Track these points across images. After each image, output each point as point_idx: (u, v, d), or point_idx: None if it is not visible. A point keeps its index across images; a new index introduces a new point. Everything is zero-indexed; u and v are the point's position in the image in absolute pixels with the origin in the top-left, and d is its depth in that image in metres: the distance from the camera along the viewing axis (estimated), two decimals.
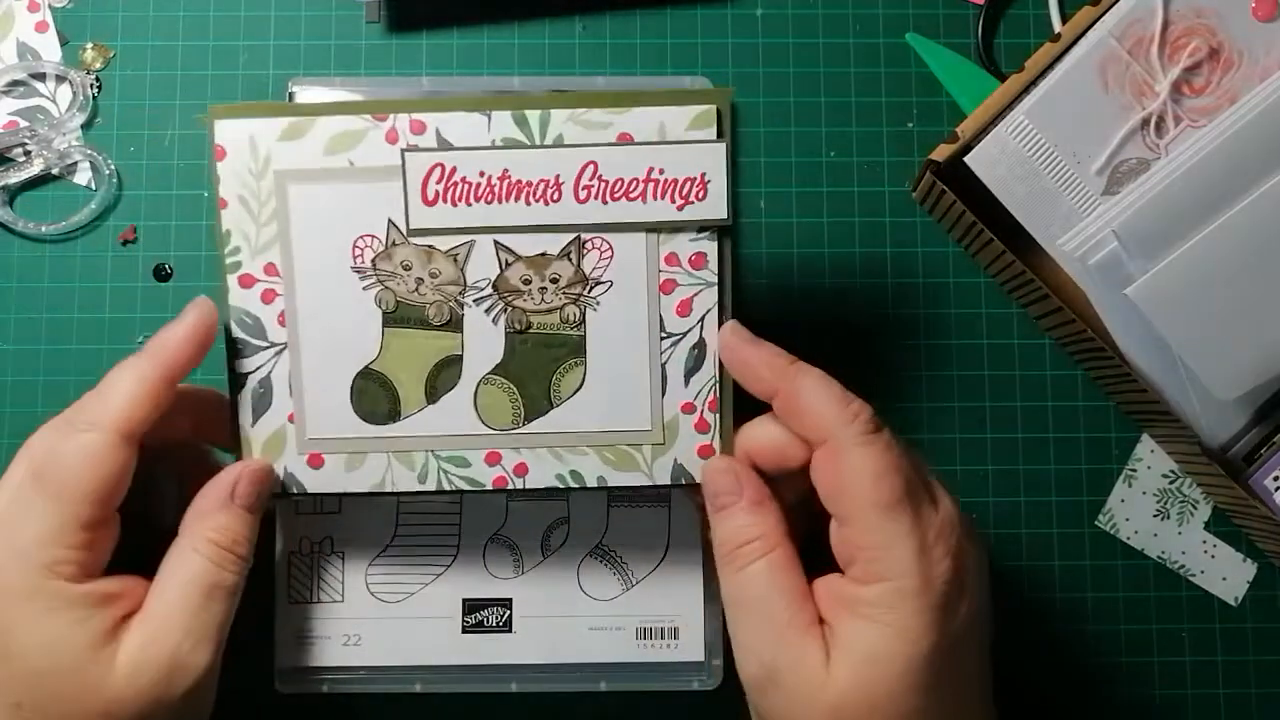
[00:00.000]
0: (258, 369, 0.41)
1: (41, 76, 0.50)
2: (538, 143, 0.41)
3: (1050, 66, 0.46)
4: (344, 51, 0.51)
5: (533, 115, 0.40)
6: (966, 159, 0.46)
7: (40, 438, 0.39)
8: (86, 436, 0.38)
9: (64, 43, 0.50)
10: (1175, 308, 0.44)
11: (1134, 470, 0.50)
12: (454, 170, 0.40)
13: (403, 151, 0.40)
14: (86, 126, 0.50)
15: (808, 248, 0.50)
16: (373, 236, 0.41)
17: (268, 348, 0.41)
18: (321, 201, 0.41)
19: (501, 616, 0.45)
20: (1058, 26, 0.50)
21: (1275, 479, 0.46)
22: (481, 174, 0.40)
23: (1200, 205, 0.44)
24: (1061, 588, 0.49)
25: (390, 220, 0.41)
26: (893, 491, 0.36)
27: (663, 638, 0.46)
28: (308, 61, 0.50)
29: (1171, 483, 0.50)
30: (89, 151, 0.49)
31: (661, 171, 0.40)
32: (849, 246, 0.50)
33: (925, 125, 0.51)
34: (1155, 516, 0.49)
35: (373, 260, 0.41)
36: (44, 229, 0.49)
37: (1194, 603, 0.49)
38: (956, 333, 0.50)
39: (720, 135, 0.41)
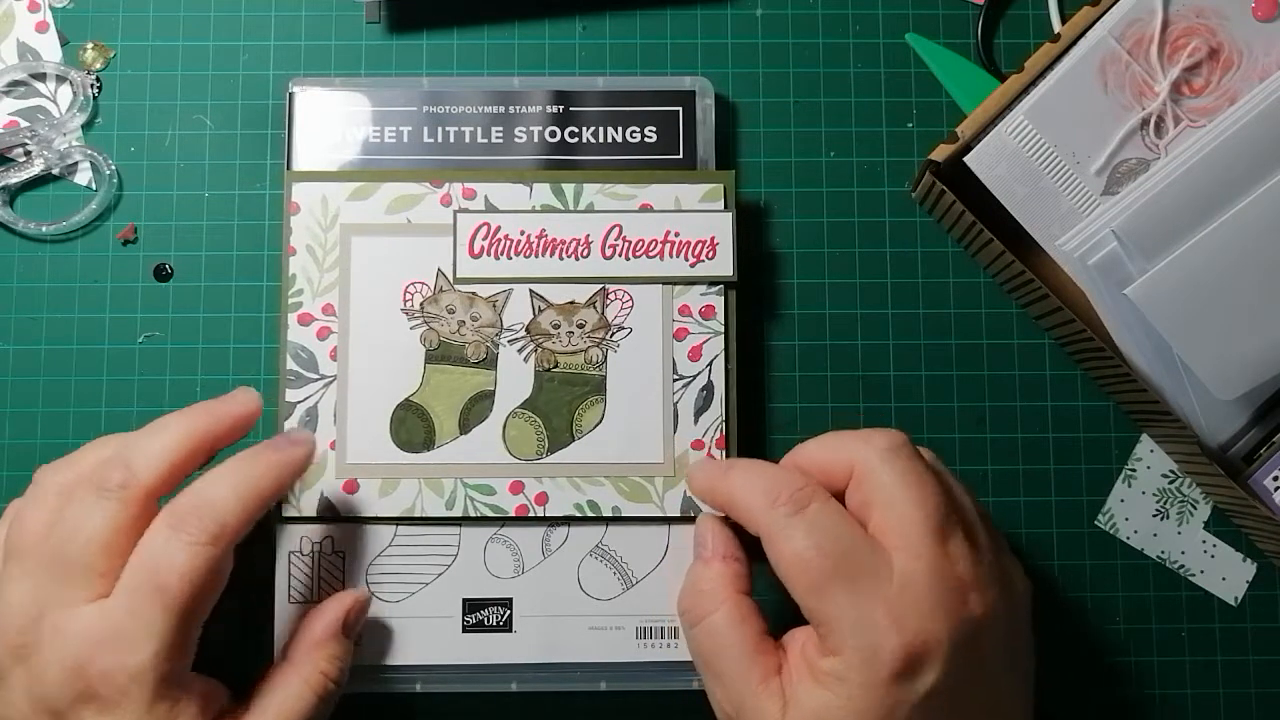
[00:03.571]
0: (307, 399, 0.45)
1: (42, 76, 0.50)
2: (571, 208, 0.46)
3: (1050, 66, 0.46)
4: (344, 51, 0.51)
5: (568, 187, 0.46)
6: (966, 159, 0.46)
7: (161, 547, 0.38)
8: (207, 551, 0.38)
9: (64, 43, 0.50)
10: (1175, 308, 0.44)
11: (1133, 470, 0.50)
12: (498, 228, 0.46)
13: (455, 212, 0.46)
14: (87, 126, 0.50)
15: (808, 248, 0.50)
16: (422, 283, 0.46)
17: (318, 380, 0.45)
18: (380, 251, 0.46)
19: (501, 616, 0.45)
20: (1057, 26, 0.50)
21: (1275, 479, 0.46)
22: (522, 232, 0.46)
23: (1200, 205, 0.44)
24: (1061, 588, 0.49)
25: (439, 269, 0.46)
26: (818, 574, 0.37)
27: (663, 638, 0.46)
28: (308, 61, 0.50)
29: (1171, 483, 0.50)
30: (89, 151, 0.49)
31: (677, 234, 0.46)
32: (849, 246, 0.50)
33: (925, 125, 0.51)
34: (1155, 516, 0.49)
35: (421, 304, 0.46)
36: (44, 229, 0.49)
37: (1194, 603, 0.49)
38: (956, 333, 0.50)
39: (727, 207, 0.46)
